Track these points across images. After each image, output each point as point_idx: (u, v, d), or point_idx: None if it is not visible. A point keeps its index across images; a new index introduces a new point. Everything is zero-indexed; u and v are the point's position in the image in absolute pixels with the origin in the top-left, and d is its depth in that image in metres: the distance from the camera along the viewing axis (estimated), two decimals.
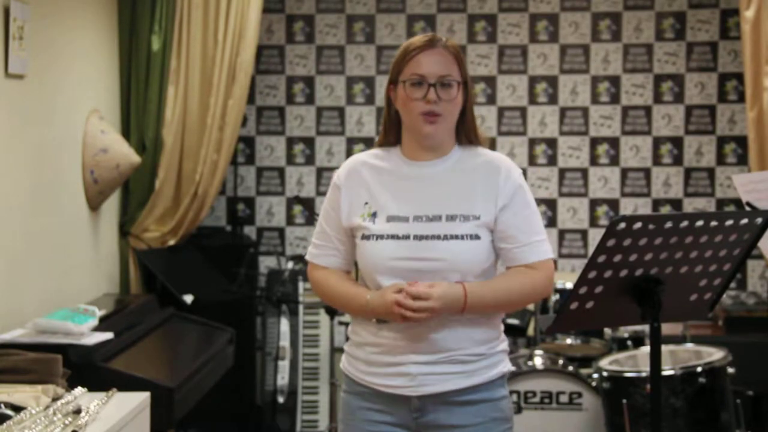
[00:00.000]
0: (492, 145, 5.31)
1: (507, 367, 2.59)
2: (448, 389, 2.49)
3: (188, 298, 5.00)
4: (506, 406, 2.58)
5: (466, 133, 2.58)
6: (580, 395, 4.39)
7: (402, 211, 2.51)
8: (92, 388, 3.14)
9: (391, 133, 2.60)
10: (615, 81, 5.91)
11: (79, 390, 3.07)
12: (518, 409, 4.34)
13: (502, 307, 2.56)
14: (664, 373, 4.04)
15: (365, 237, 2.52)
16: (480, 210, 2.49)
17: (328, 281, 2.62)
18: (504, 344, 2.60)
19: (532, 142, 5.95)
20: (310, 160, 6.03)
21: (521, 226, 2.51)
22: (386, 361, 2.51)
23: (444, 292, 2.42)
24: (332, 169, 5.34)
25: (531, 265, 2.51)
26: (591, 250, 5.61)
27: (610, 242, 2.21)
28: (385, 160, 2.59)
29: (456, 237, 2.46)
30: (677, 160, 5.90)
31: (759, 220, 2.34)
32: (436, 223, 2.48)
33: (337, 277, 2.61)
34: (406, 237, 2.47)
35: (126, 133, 5.23)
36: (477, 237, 2.47)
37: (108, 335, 3.82)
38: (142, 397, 3.24)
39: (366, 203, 2.55)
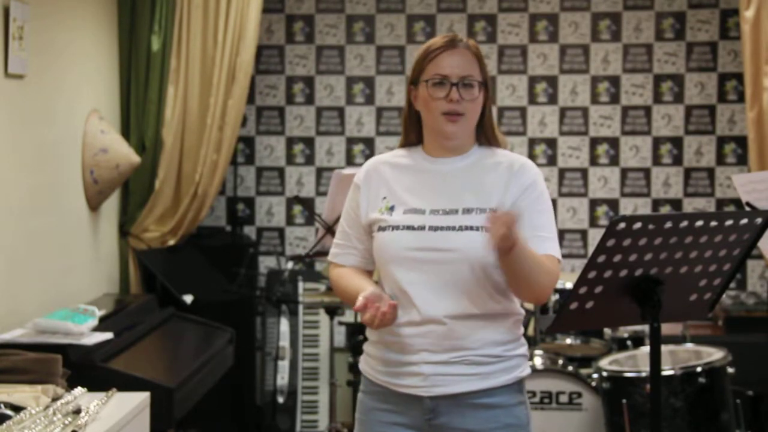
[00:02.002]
0: None
1: (525, 371, 2.55)
2: (461, 391, 2.46)
3: (188, 298, 5.00)
4: (522, 413, 2.53)
5: (485, 133, 2.57)
6: (579, 395, 4.39)
7: (419, 204, 2.51)
8: (92, 388, 3.14)
9: (411, 133, 2.60)
10: (615, 81, 5.91)
11: (78, 390, 3.07)
12: None
13: (535, 272, 2.40)
14: (664, 373, 4.03)
15: (381, 228, 2.51)
16: (495, 203, 2.47)
17: (340, 277, 2.61)
18: (523, 348, 2.56)
19: (532, 142, 5.95)
20: (309, 160, 6.03)
21: (530, 219, 2.45)
22: (400, 360, 2.50)
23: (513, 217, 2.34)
24: (332, 169, 5.34)
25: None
26: (591, 250, 5.61)
27: (610, 242, 2.21)
28: (407, 158, 2.59)
29: (470, 228, 2.44)
30: (677, 160, 5.90)
31: (759, 220, 2.34)
32: (452, 216, 2.47)
33: (350, 273, 2.60)
34: (422, 228, 2.47)
35: (126, 133, 5.24)
36: None
37: (108, 335, 3.82)
38: (142, 397, 3.24)
39: (384, 198, 2.55)
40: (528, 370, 2.57)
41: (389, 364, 2.52)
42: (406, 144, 2.62)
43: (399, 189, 2.54)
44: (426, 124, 2.56)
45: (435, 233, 2.46)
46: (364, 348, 2.64)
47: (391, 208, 2.53)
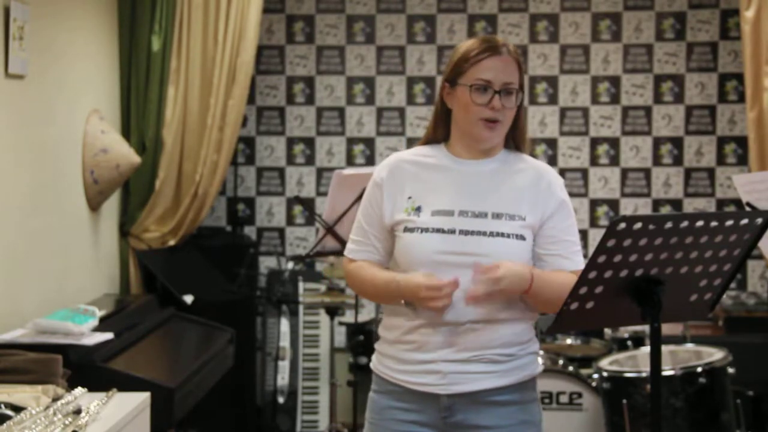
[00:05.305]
0: None
1: (538, 368, 2.58)
2: (479, 388, 2.48)
3: (188, 299, 4.99)
4: (536, 410, 2.57)
5: (515, 138, 2.59)
6: (580, 395, 4.39)
7: (447, 205, 2.50)
8: (92, 388, 3.14)
9: (439, 129, 2.59)
10: (615, 81, 5.91)
11: (79, 390, 3.07)
12: None
13: (557, 301, 2.44)
14: (664, 373, 4.04)
15: (408, 230, 2.50)
16: (526, 212, 2.50)
17: (359, 271, 2.60)
18: (535, 346, 2.58)
19: (532, 143, 5.93)
20: (310, 160, 6.03)
21: (568, 234, 2.54)
22: (417, 358, 2.50)
23: (510, 266, 2.41)
24: (332, 170, 5.34)
25: (574, 272, 2.50)
26: (591, 250, 5.61)
27: (611, 242, 2.21)
28: (430, 157, 2.58)
29: (502, 235, 2.46)
30: (677, 161, 5.90)
31: (759, 220, 2.34)
32: (482, 220, 2.47)
33: (369, 266, 2.59)
34: (452, 231, 2.47)
35: (126, 133, 5.24)
36: (522, 237, 2.48)
37: (108, 335, 3.81)
38: (142, 398, 3.24)
39: (409, 198, 2.53)
40: (540, 368, 2.60)
41: (406, 362, 2.52)
42: (432, 139, 2.61)
43: (424, 188, 2.53)
44: (458, 125, 2.55)
45: (466, 237, 2.46)
46: (376, 347, 2.64)
47: (418, 209, 2.51)
